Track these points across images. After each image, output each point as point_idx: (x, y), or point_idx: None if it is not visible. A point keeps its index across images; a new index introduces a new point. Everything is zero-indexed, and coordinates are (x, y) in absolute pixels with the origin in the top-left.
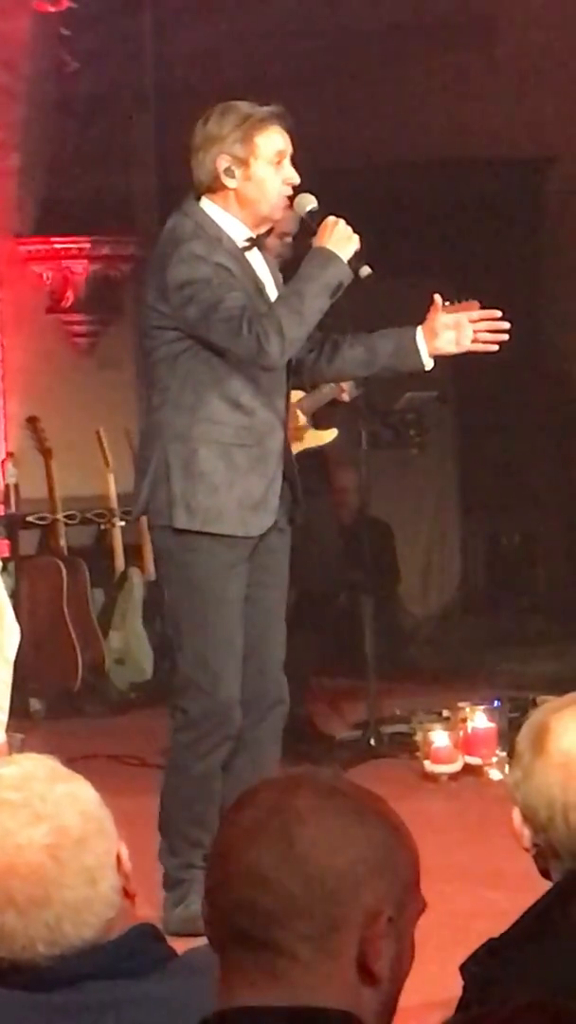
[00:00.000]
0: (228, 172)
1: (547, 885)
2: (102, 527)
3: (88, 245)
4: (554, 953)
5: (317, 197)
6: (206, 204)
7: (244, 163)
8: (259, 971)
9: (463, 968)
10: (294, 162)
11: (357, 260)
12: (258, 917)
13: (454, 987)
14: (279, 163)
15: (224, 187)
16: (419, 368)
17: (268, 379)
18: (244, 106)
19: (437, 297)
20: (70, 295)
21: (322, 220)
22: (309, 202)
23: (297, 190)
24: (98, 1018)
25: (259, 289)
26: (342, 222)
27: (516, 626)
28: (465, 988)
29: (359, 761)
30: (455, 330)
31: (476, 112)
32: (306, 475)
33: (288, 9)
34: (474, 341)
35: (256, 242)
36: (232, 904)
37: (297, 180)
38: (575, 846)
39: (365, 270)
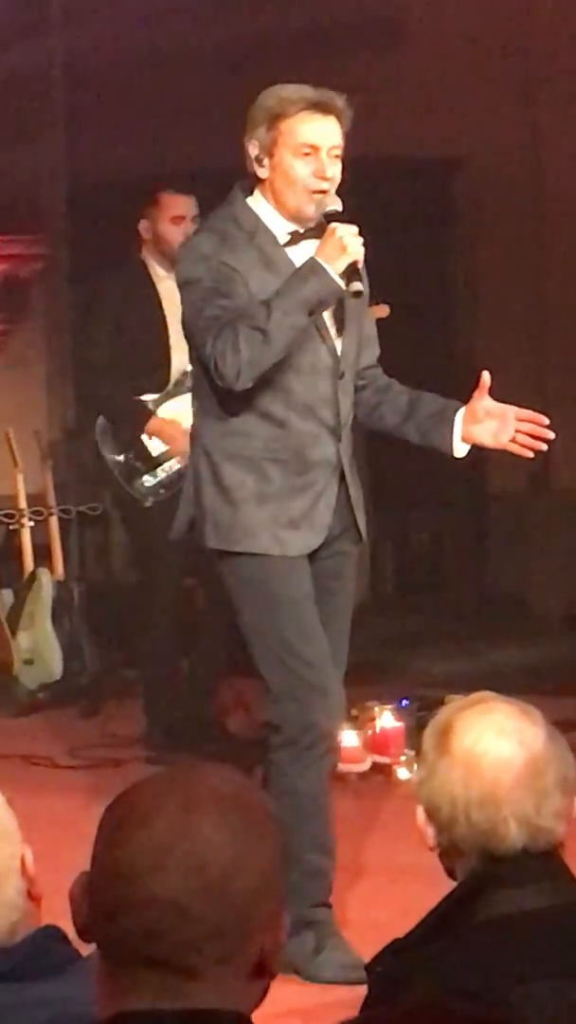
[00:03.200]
0: (258, 160)
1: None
2: (11, 527)
3: None
4: (458, 952)
5: (221, 194)
6: (256, 194)
7: (269, 152)
8: (163, 988)
9: (368, 968)
10: (344, 157)
11: (351, 275)
12: (171, 943)
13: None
14: (308, 155)
15: (258, 176)
16: (447, 450)
17: (309, 387)
18: (285, 89)
19: (485, 375)
20: None
21: None
22: (331, 202)
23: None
24: (3, 1019)
25: None
26: (342, 230)
27: (425, 625)
28: (370, 988)
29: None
30: (499, 421)
31: (385, 114)
32: None
33: (196, 9)
34: (512, 441)
35: (304, 236)
36: (142, 931)
37: (328, 175)
38: (477, 844)
39: (355, 286)
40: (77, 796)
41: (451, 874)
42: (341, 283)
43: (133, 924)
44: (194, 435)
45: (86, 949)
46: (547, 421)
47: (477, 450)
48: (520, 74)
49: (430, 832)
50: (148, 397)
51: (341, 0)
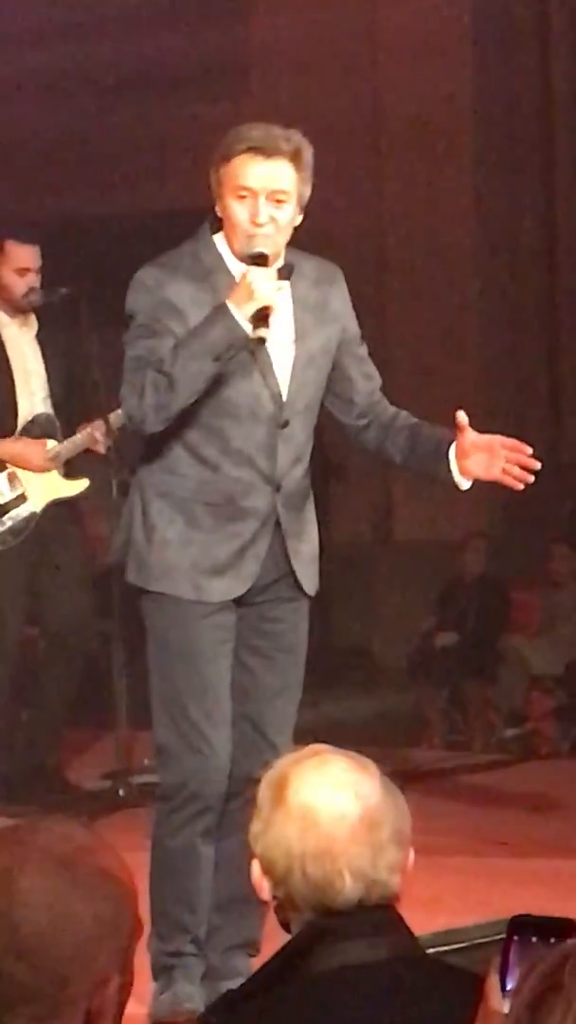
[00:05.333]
0: (215, 202)
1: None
2: None
3: None
4: (291, 1005)
5: (55, 245)
6: (221, 234)
7: (218, 193)
8: None
9: (201, 1019)
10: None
11: (259, 319)
12: None
13: None
14: (244, 198)
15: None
16: (452, 485)
17: (245, 434)
18: (240, 129)
19: (461, 415)
20: None
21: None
22: (258, 245)
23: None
24: None
25: None
26: (253, 275)
27: None
28: None
29: (108, 811)
30: (487, 454)
31: None
32: (58, 524)
33: (34, 57)
34: (505, 472)
35: None
36: None
37: (260, 219)
38: (313, 898)
39: (260, 332)
40: None
41: (286, 927)
42: (248, 328)
43: None
44: (133, 468)
45: None
46: (530, 450)
47: (321, 501)
48: (363, 126)
49: (265, 885)
50: None
51: (185, 49)
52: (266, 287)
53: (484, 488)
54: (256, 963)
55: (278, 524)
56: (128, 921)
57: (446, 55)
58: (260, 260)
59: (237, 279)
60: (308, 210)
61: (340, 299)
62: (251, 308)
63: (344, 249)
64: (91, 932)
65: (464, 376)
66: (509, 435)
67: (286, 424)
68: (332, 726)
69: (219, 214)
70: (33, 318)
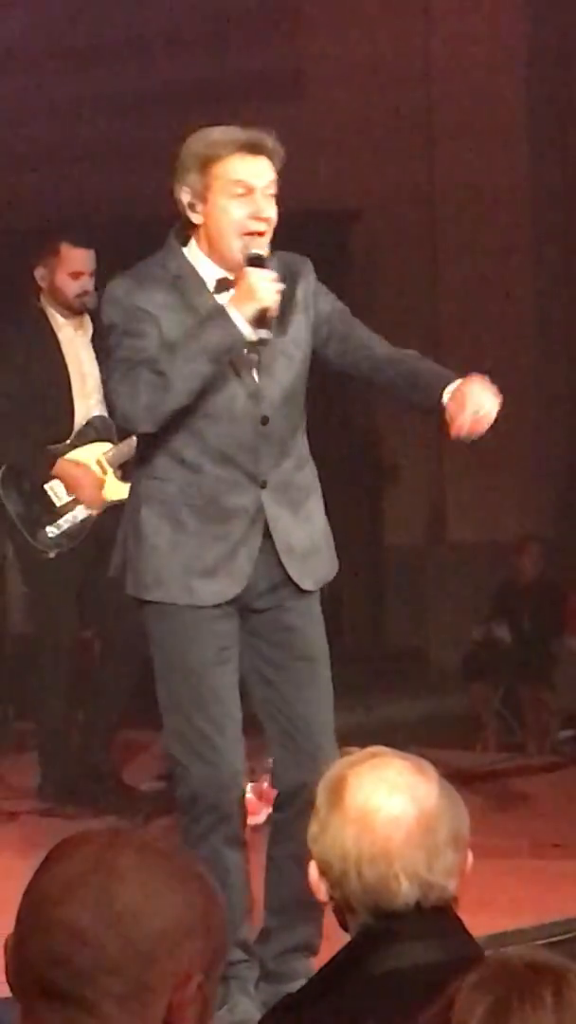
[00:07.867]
0: (191, 207)
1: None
2: None
3: None
4: (349, 1007)
5: (118, 243)
6: (191, 243)
7: (203, 197)
8: (63, 1021)
9: (260, 1023)
10: (280, 198)
11: (260, 321)
12: (71, 971)
13: None
14: (244, 195)
15: (192, 223)
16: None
17: (224, 433)
18: (214, 132)
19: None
20: None
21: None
22: (255, 246)
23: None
24: None
25: None
26: (255, 276)
27: None
28: None
29: (163, 813)
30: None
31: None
32: (114, 527)
33: (96, 58)
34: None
35: (234, 283)
36: (45, 956)
37: (266, 215)
38: (369, 900)
39: (260, 334)
40: None
41: (345, 928)
42: (247, 331)
43: (37, 948)
44: (131, 477)
45: None
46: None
47: (375, 503)
48: (416, 128)
49: (323, 887)
50: (52, 447)
51: (239, 52)
52: (266, 288)
53: (538, 489)
54: (316, 963)
55: (267, 521)
56: (217, 927)
57: (498, 72)
58: (257, 261)
59: (209, 285)
60: (366, 210)
61: (307, 289)
62: (251, 309)
63: (396, 264)
64: (180, 918)
65: (520, 374)
66: (563, 438)
67: (266, 421)
68: (385, 728)
69: (195, 221)
70: (88, 320)
